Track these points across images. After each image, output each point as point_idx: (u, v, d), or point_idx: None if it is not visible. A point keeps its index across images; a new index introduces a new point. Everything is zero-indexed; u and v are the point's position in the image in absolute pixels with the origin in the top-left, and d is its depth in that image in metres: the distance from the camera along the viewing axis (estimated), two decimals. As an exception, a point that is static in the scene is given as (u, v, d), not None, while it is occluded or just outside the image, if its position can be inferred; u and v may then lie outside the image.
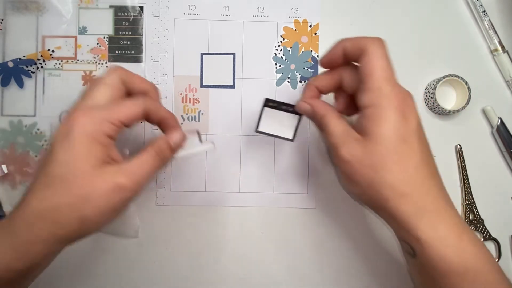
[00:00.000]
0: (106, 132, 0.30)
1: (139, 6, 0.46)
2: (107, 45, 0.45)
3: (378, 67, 0.31)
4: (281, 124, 0.39)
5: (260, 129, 0.39)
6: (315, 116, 0.35)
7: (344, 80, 0.35)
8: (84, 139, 0.29)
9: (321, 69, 0.46)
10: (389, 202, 0.30)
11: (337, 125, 0.33)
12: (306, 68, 0.46)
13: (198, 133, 0.38)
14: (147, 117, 0.34)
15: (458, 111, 0.45)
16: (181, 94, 0.46)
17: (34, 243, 0.29)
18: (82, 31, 0.45)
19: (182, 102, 0.46)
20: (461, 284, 0.29)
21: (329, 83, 0.36)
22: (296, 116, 0.39)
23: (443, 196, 0.31)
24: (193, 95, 0.46)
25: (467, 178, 0.46)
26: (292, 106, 0.38)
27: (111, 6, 0.45)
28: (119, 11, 0.45)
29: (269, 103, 0.38)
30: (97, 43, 0.45)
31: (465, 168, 0.46)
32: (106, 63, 0.45)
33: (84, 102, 0.31)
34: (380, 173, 0.30)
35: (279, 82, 0.46)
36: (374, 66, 0.31)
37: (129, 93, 0.35)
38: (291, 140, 0.39)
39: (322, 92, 0.37)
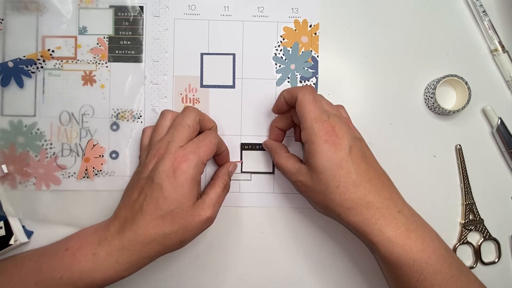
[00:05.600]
0: (201, 172, 0.38)
1: (139, 6, 0.46)
2: (107, 45, 0.45)
3: (306, 110, 0.38)
4: (259, 161, 0.46)
5: (243, 170, 0.46)
6: (270, 154, 0.44)
7: (294, 119, 0.43)
8: (189, 181, 0.37)
9: (320, 71, 0.46)
10: (342, 216, 0.37)
11: (289, 163, 0.40)
12: (306, 68, 0.46)
13: (241, 164, 0.46)
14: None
15: (458, 111, 0.45)
16: (181, 94, 0.46)
17: (144, 258, 0.37)
18: (82, 31, 0.45)
19: (182, 102, 0.46)
20: (411, 274, 0.35)
21: (284, 123, 0.44)
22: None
23: (388, 204, 0.36)
24: (193, 95, 0.46)
25: (467, 178, 0.46)
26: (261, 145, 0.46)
27: (111, 6, 0.45)
28: (119, 11, 0.45)
29: (245, 147, 0.46)
30: (97, 43, 0.45)
31: (465, 168, 0.46)
32: (106, 63, 0.45)
33: (175, 144, 0.38)
34: (329, 196, 0.37)
35: (279, 82, 0.46)
36: (304, 110, 0.38)
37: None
38: (272, 173, 0.46)
39: (282, 130, 0.44)
